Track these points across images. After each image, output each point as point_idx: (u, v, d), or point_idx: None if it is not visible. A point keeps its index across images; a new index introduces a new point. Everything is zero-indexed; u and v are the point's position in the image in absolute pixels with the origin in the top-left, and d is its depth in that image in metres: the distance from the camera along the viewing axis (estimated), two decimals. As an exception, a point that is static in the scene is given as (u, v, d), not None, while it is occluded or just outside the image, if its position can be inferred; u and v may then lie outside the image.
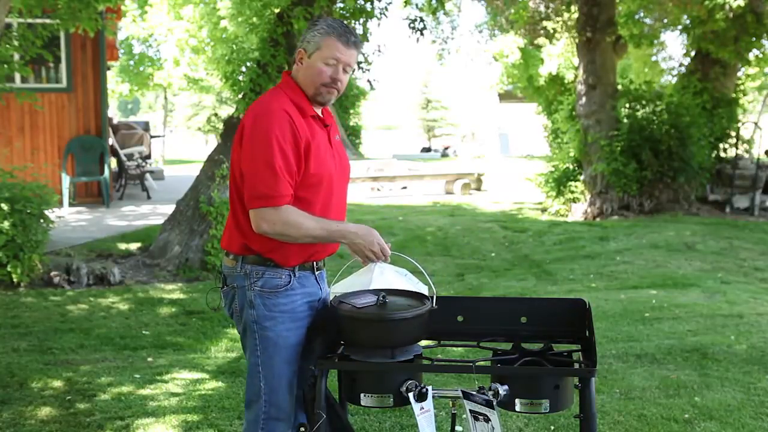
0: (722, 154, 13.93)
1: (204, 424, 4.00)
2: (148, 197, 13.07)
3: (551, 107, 16.07)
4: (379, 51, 9.34)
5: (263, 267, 2.61)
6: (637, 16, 13.84)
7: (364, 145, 32.40)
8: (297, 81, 2.67)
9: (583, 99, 13.05)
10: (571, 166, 13.69)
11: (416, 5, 10.81)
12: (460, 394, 2.41)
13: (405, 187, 17.60)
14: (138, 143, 14.10)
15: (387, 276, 2.67)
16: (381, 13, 8.96)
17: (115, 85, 21.90)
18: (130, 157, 13.42)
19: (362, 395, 2.48)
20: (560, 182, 13.64)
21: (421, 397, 2.40)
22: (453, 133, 53.18)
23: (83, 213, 11.09)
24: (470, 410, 2.39)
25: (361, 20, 8.75)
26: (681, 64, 15.31)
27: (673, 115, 12.47)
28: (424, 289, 2.70)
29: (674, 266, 8.65)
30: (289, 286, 2.61)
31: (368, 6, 8.78)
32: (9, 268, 7.07)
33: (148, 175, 13.55)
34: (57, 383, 4.61)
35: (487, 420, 2.34)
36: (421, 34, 9.90)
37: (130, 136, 14.18)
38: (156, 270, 8.00)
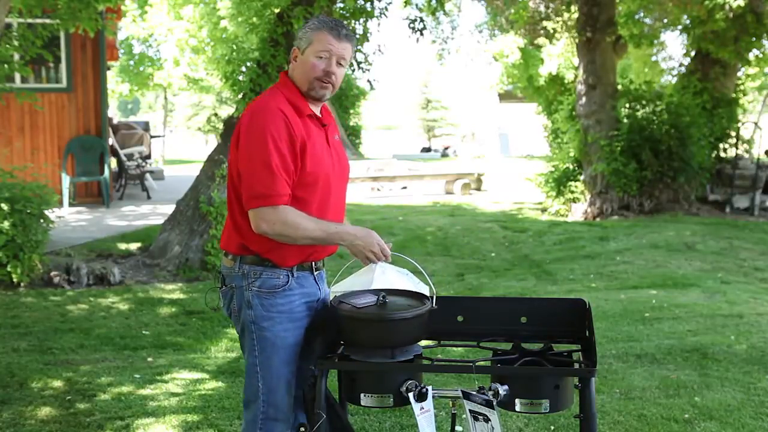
0: (722, 154, 13.93)
1: (204, 424, 4.00)
2: (148, 197, 13.07)
3: (551, 107, 16.07)
4: (379, 51, 9.34)
5: (261, 267, 2.60)
6: (637, 16, 13.83)
7: (364, 145, 32.38)
8: (293, 80, 2.67)
9: (583, 99, 13.05)
10: (571, 166, 13.69)
11: (416, 5, 10.80)
12: (460, 394, 2.41)
13: (405, 187, 17.61)
14: (138, 143, 14.10)
15: (388, 275, 2.66)
16: (381, 13, 8.95)
17: (115, 85, 21.90)
18: (130, 157, 13.42)
19: (362, 395, 2.48)
20: (560, 182, 13.65)
21: (421, 397, 2.40)
22: (453, 133, 53.15)
23: (83, 213, 11.09)
24: (470, 410, 2.38)
25: (361, 20, 8.75)
26: (681, 64, 15.32)
27: (673, 115, 12.47)
28: (425, 289, 2.70)
29: (674, 266, 8.65)
30: (287, 287, 2.61)
31: (368, 6, 8.78)
32: (9, 268, 7.08)
33: (148, 175, 13.55)
34: (57, 383, 4.61)
35: (487, 420, 2.34)
36: (421, 34, 9.90)
37: (130, 136, 14.18)
38: (156, 270, 8.00)
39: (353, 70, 9.46)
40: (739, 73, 14.38)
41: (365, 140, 34.00)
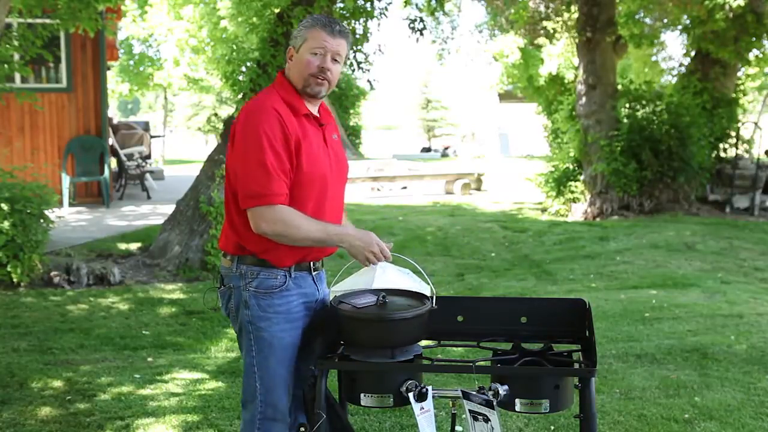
0: (722, 154, 13.93)
1: (204, 424, 4.00)
2: (148, 197, 13.07)
3: (551, 107, 16.07)
4: (380, 51, 9.34)
5: (258, 267, 2.60)
6: (637, 16, 13.84)
7: (364, 145, 32.37)
8: (290, 79, 2.67)
9: (583, 99, 13.05)
10: (571, 166, 13.69)
11: (416, 5, 10.81)
12: (460, 394, 2.41)
13: (405, 187, 17.60)
14: (138, 143, 14.10)
15: (389, 275, 2.66)
16: (381, 13, 8.96)
17: (115, 85, 21.90)
18: (130, 157, 13.42)
19: (362, 395, 2.48)
20: (560, 182, 13.65)
21: (421, 397, 2.40)
22: (453, 133, 53.14)
23: (83, 213, 11.09)
24: (470, 410, 2.38)
25: (361, 20, 8.75)
26: (681, 64, 15.32)
27: (673, 115, 12.47)
28: (426, 289, 2.70)
29: (674, 266, 8.65)
30: (284, 287, 2.61)
31: (368, 6, 8.78)
32: (9, 268, 7.07)
33: (148, 175, 13.55)
34: (57, 383, 4.61)
35: (487, 420, 2.34)
36: (421, 34, 9.90)
37: (130, 136, 14.18)
38: (156, 270, 8.01)
39: (353, 70, 9.46)
40: (739, 73, 14.38)
41: (365, 140, 33.98)
